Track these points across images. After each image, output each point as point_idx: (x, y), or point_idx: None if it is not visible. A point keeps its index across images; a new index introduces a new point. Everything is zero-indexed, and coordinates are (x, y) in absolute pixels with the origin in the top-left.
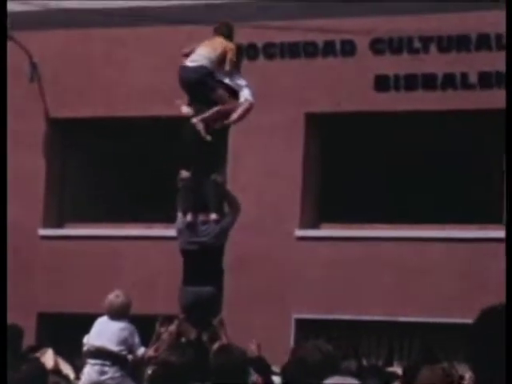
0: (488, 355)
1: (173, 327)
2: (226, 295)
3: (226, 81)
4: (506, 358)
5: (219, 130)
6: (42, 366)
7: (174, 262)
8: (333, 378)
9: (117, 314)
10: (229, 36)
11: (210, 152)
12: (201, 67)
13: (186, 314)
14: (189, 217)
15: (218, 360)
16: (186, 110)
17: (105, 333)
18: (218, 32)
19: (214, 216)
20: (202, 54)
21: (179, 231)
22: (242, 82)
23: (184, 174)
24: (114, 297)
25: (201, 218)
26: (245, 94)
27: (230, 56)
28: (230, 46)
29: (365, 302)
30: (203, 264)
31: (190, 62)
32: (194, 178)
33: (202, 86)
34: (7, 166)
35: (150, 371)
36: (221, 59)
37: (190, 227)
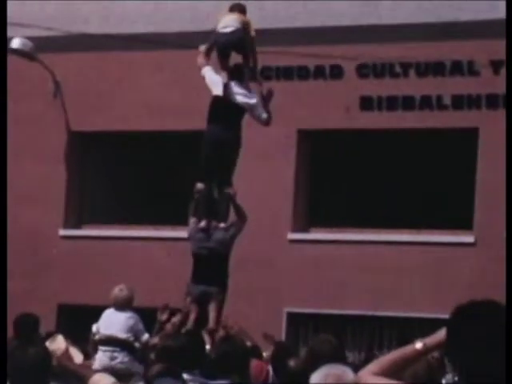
0: (462, 345)
1: (176, 319)
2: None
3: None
4: (506, 357)
5: (236, 145)
6: (46, 350)
7: (179, 261)
8: (326, 366)
9: (122, 305)
10: (243, 12)
11: (225, 165)
12: (238, 30)
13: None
14: (202, 223)
15: (222, 348)
16: (201, 60)
17: (113, 322)
18: (233, 10)
19: (223, 224)
20: (231, 21)
21: (191, 236)
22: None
23: (199, 185)
24: (119, 290)
25: (213, 225)
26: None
27: (251, 26)
28: (248, 19)
29: (349, 298)
30: (211, 266)
31: (224, 29)
32: (208, 189)
33: (242, 46)
34: (7, 169)
35: (152, 356)
36: (245, 27)
37: (202, 234)
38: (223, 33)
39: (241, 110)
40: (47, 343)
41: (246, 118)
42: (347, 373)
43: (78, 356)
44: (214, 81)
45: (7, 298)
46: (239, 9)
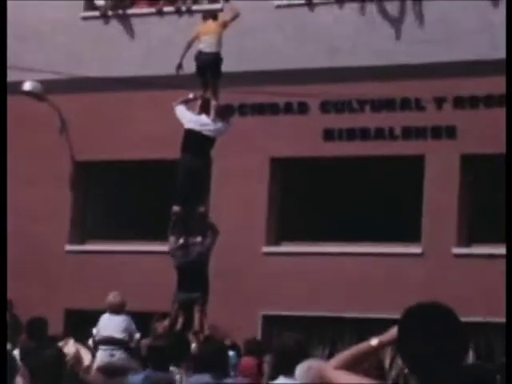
0: (411, 343)
1: (166, 322)
2: (209, 297)
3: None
4: (506, 358)
5: (206, 171)
6: (61, 352)
7: (168, 271)
8: (307, 361)
9: (116, 310)
10: (215, 17)
11: (197, 189)
12: (217, 53)
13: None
14: (181, 240)
15: (203, 348)
16: (191, 95)
17: (110, 325)
18: (206, 18)
19: (199, 239)
20: (211, 41)
21: (173, 252)
22: None
23: (175, 208)
24: (112, 297)
25: (190, 241)
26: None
27: (225, 26)
28: (221, 21)
29: (316, 302)
30: (193, 276)
31: (205, 48)
32: (183, 210)
33: (217, 69)
34: (7, 169)
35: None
36: (222, 31)
37: (182, 249)
38: (205, 52)
39: (209, 140)
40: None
41: (227, 147)
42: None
43: (87, 357)
44: (186, 117)
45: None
46: (212, 16)
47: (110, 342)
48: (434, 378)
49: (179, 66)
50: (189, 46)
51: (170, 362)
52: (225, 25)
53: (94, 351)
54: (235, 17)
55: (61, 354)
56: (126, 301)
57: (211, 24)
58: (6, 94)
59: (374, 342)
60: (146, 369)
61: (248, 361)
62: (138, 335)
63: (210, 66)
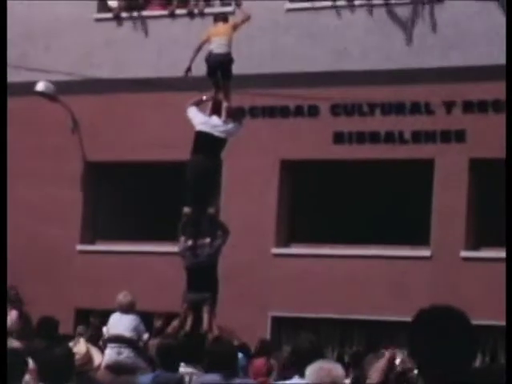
0: (423, 345)
1: (175, 322)
2: (219, 298)
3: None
4: (506, 358)
5: (216, 172)
6: (70, 350)
7: (177, 272)
8: (319, 361)
9: (126, 309)
10: (226, 19)
11: (207, 190)
12: (228, 54)
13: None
14: (190, 242)
15: (212, 349)
16: (204, 97)
17: (120, 324)
18: (217, 20)
19: (208, 240)
20: (222, 42)
21: (183, 253)
22: None
23: (186, 209)
24: (123, 296)
25: (199, 242)
26: None
27: (235, 28)
28: (231, 23)
29: (325, 304)
30: (202, 277)
31: (217, 49)
32: (194, 212)
33: (228, 69)
34: (7, 167)
35: (153, 353)
36: (232, 33)
37: (192, 250)
38: (216, 53)
39: (220, 141)
40: (70, 345)
41: (238, 149)
42: (337, 367)
43: (97, 356)
44: (197, 118)
45: (7, 303)
46: (223, 18)
47: (118, 340)
48: (444, 380)
49: (188, 69)
50: (199, 48)
51: (179, 362)
52: (235, 27)
53: (103, 349)
54: (246, 20)
55: (70, 352)
56: (135, 300)
57: (222, 26)
58: (6, 95)
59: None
60: (152, 368)
61: (260, 361)
62: (146, 335)
63: (220, 66)
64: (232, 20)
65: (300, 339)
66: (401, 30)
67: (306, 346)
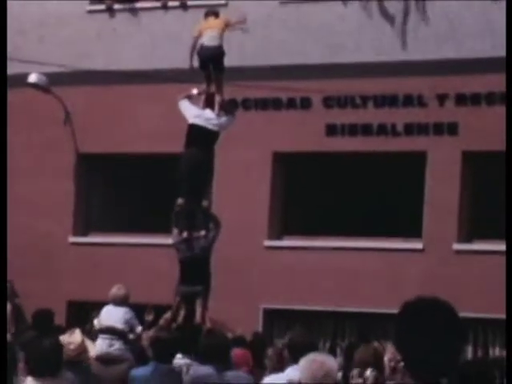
0: (409, 338)
1: (168, 315)
2: (211, 290)
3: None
4: (507, 358)
5: (209, 165)
6: (58, 342)
7: (170, 264)
8: (312, 354)
9: (120, 301)
10: (217, 15)
11: (201, 183)
12: (220, 46)
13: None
14: (184, 234)
15: (206, 341)
16: (195, 90)
17: (112, 316)
18: (209, 15)
19: (202, 232)
20: (214, 35)
21: (177, 246)
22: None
23: (180, 201)
24: (117, 289)
25: (194, 235)
26: None
27: (227, 26)
28: (223, 19)
29: (317, 296)
30: (195, 270)
31: (208, 42)
32: (187, 204)
33: (220, 62)
34: (7, 165)
35: (146, 345)
36: (224, 28)
37: (186, 243)
38: (207, 46)
39: (214, 134)
40: (66, 336)
41: (230, 141)
42: (329, 360)
43: (92, 348)
44: (190, 112)
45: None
46: (214, 13)
47: (110, 331)
48: (429, 371)
49: (192, 67)
50: (194, 45)
51: (174, 355)
52: (228, 24)
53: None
54: (241, 23)
55: (58, 343)
56: (129, 293)
57: (213, 21)
58: (7, 88)
59: None
60: (143, 360)
61: (239, 351)
62: (139, 328)
63: (212, 59)
64: (224, 16)
65: (295, 333)
66: (393, 22)
67: (301, 340)
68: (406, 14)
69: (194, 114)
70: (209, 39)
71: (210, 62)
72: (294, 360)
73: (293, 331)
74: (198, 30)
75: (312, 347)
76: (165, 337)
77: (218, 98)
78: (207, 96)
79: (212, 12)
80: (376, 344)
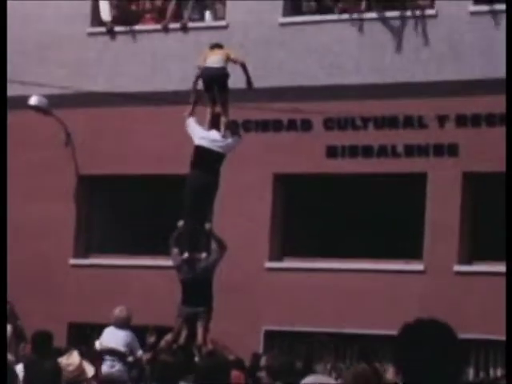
0: (409, 358)
1: (169, 336)
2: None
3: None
4: (506, 359)
5: (213, 187)
6: (57, 364)
7: (171, 286)
8: (311, 376)
9: (121, 324)
10: (221, 47)
11: (205, 205)
12: (224, 68)
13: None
14: (185, 254)
15: (206, 363)
16: (186, 112)
17: (114, 338)
18: (214, 48)
19: (204, 254)
20: (218, 59)
21: (178, 267)
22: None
23: (181, 222)
24: (119, 311)
25: (195, 256)
26: None
27: (231, 56)
28: (227, 51)
29: (318, 318)
30: (197, 291)
31: (212, 64)
32: (189, 225)
33: (224, 83)
34: (7, 163)
35: (147, 368)
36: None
37: (187, 264)
38: (211, 67)
39: (219, 156)
40: (64, 358)
41: (231, 163)
42: (330, 382)
43: (90, 370)
44: (196, 133)
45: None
46: (218, 46)
47: (111, 353)
48: None
49: (195, 89)
50: (200, 70)
51: (175, 377)
52: (229, 58)
53: (98, 362)
54: (240, 64)
55: (58, 366)
56: (131, 315)
57: (217, 50)
58: (7, 110)
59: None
60: (143, 382)
61: (236, 373)
62: (140, 352)
63: (216, 80)
64: (228, 49)
65: (271, 355)
66: (393, 44)
67: (278, 363)
68: (405, 35)
69: (200, 135)
70: (212, 62)
71: (215, 83)
72: (274, 382)
73: (269, 353)
74: (203, 58)
75: (290, 368)
76: (166, 360)
77: (223, 119)
78: (213, 117)
79: (216, 44)
80: (377, 365)
